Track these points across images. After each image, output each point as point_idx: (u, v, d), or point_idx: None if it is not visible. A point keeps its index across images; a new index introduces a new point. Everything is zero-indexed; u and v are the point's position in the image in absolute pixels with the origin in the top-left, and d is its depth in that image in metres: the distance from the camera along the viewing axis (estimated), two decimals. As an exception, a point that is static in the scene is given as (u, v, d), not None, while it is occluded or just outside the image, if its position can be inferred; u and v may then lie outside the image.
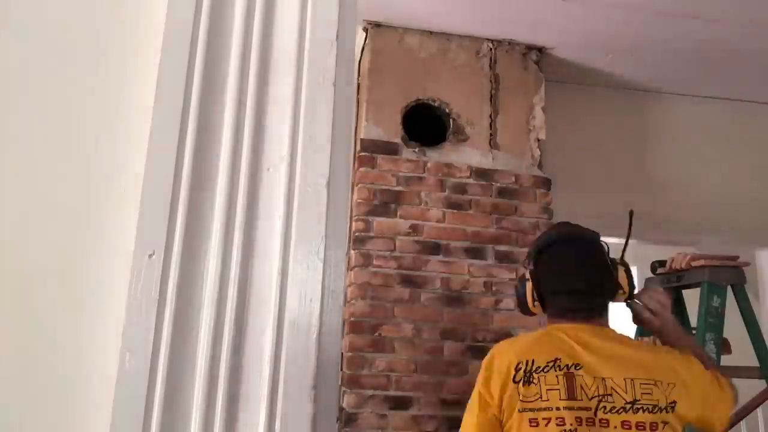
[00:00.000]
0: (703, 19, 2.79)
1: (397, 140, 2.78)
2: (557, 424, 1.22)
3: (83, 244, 0.63)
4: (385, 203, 2.70)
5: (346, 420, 2.42)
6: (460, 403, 2.52)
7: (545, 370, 1.27)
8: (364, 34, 2.93)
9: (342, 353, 2.52)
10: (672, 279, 2.57)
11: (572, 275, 1.38)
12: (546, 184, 2.93)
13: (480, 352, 2.61)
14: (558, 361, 1.27)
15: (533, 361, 1.28)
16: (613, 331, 1.37)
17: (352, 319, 2.53)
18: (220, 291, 0.60)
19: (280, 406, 0.59)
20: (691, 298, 2.54)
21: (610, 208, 3.10)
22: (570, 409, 1.22)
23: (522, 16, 2.84)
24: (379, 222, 2.67)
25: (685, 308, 2.65)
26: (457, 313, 2.64)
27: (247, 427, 0.58)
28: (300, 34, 0.68)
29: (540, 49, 3.08)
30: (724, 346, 2.28)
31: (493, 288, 2.72)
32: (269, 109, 0.66)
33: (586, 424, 1.21)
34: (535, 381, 1.26)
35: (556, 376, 1.26)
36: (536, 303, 1.43)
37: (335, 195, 0.65)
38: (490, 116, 2.94)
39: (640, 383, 1.24)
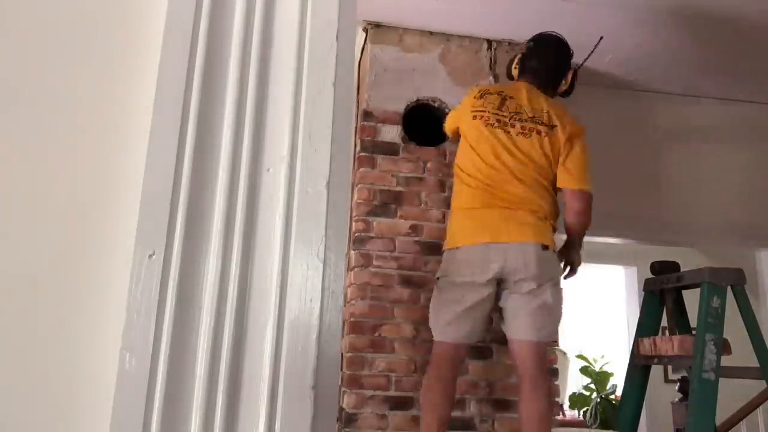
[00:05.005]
0: (703, 19, 2.79)
1: (397, 140, 2.78)
2: (486, 119, 2.19)
3: (83, 244, 0.63)
4: (385, 203, 2.70)
5: (346, 420, 2.42)
6: (461, 404, 2.53)
7: (491, 93, 2.27)
8: (364, 34, 2.93)
9: (342, 353, 2.52)
10: (672, 279, 2.57)
11: (543, 58, 2.37)
12: (546, 184, 2.93)
13: (480, 353, 2.60)
14: (502, 92, 2.28)
15: (488, 90, 2.31)
16: (546, 96, 2.31)
17: (352, 319, 2.53)
18: (220, 291, 0.60)
19: (280, 406, 0.59)
20: (692, 299, 2.54)
21: (610, 208, 3.11)
22: (496, 114, 2.20)
23: (522, 16, 2.84)
24: (379, 222, 2.67)
25: (685, 309, 2.65)
26: (457, 314, 2.63)
27: (247, 427, 0.58)
28: (300, 34, 0.68)
29: (540, 50, 3.08)
30: (724, 347, 2.28)
31: (493, 288, 2.71)
32: (269, 109, 0.66)
33: (500, 123, 2.19)
34: (485, 98, 2.25)
35: (497, 97, 2.25)
36: (516, 69, 2.40)
37: (335, 195, 0.65)
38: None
39: (540, 110, 2.23)
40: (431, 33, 2.95)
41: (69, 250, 0.63)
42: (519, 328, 2.06)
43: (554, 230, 2.20)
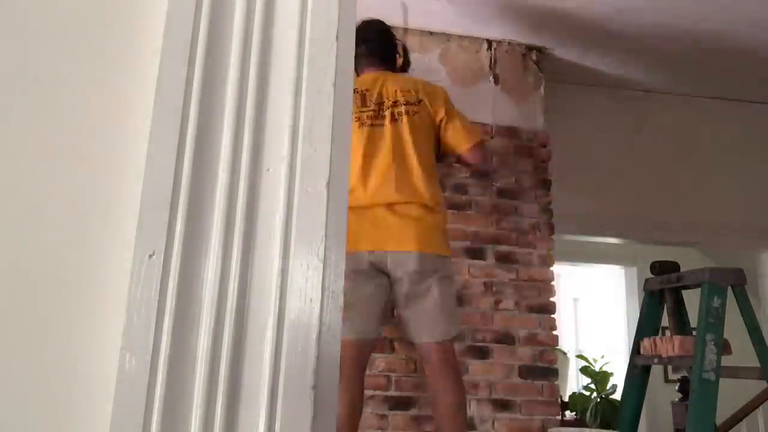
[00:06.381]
0: (703, 20, 2.79)
1: (397, 140, 2.78)
2: (357, 119, 2.08)
3: (83, 244, 0.63)
4: (385, 203, 2.69)
5: (346, 420, 2.42)
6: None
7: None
8: (364, 34, 2.92)
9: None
10: (672, 279, 2.57)
11: (370, 44, 2.25)
12: (546, 184, 2.93)
13: (480, 353, 2.61)
14: (358, 89, 2.13)
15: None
16: (395, 74, 2.26)
17: (352, 319, 2.53)
18: (220, 291, 0.60)
19: (280, 406, 0.59)
20: (692, 299, 2.54)
21: (610, 208, 3.11)
22: (363, 112, 2.10)
23: (522, 16, 2.84)
24: (379, 222, 2.66)
25: (686, 309, 2.65)
26: (457, 314, 2.63)
27: (247, 427, 0.58)
28: (300, 34, 0.68)
29: (540, 49, 3.08)
30: (724, 347, 2.29)
31: (493, 288, 2.72)
32: (269, 109, 0.66)
33: (373, 117, 2.10)
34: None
35: (357, 96, 2.11)
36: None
37: (335, 195, 0.65)
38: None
39: (401, 91, 2.13)
40: (431, 33, 2.96)
41: (69, 250, 0.63)
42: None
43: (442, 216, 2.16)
